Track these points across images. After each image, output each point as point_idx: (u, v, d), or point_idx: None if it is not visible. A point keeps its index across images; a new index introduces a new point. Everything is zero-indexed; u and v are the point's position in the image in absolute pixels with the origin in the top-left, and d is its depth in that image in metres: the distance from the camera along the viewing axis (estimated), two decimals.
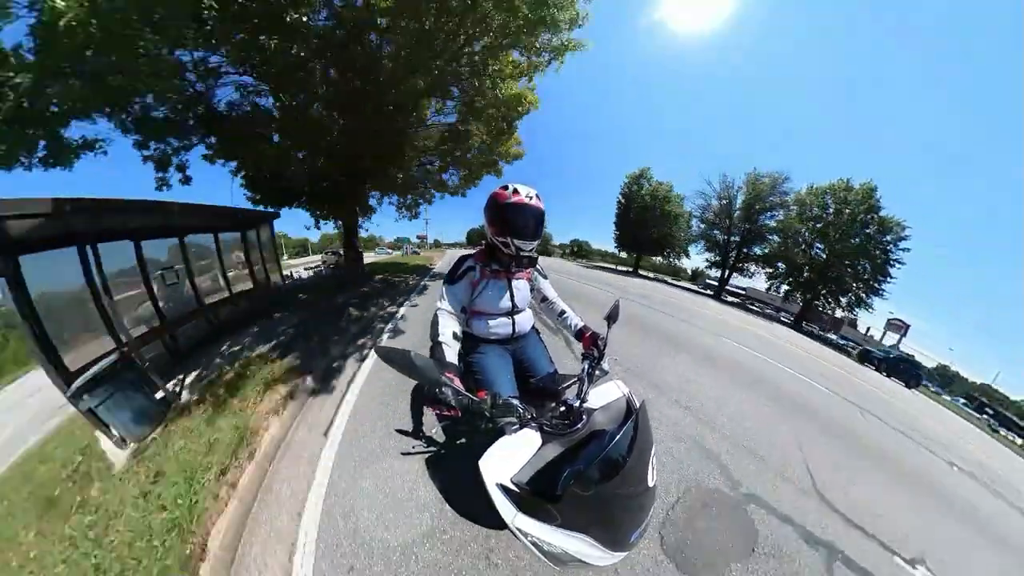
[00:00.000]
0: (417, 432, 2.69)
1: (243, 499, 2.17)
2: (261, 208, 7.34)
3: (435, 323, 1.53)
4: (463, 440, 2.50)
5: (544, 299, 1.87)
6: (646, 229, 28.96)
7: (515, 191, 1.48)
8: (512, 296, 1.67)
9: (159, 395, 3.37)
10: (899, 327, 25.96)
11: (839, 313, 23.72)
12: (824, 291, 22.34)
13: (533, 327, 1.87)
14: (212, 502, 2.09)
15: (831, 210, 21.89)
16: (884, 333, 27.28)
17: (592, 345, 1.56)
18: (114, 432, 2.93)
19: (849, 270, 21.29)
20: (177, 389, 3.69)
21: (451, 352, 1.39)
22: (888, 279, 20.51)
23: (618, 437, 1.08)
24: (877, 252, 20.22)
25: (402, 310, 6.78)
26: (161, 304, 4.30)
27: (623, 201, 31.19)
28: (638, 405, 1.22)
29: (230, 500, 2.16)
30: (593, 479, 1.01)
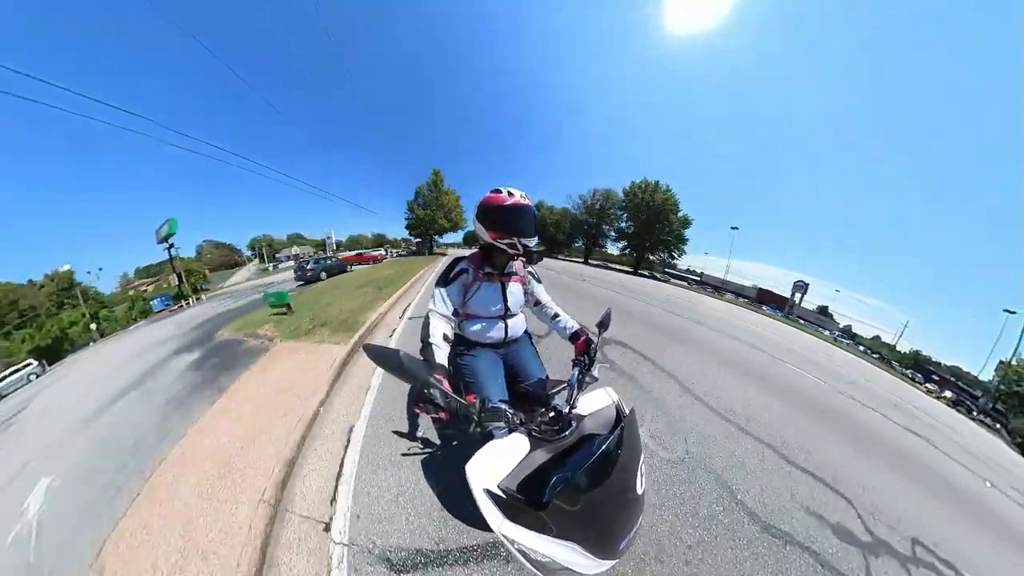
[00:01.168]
0: (413, 434, 2.71)
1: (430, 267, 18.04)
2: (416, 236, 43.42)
3: (426, 324, 1.52)
4: (457, 443, 2.50)
5: (537, 303, 1.87)
6: (543, 235, 45.38)
7: (509, 193, 1.49)
8: (505, 299, 1.67)
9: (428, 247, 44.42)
10: (801, 287, 33.56)
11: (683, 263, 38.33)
12: (644, 249, 35.56)
13: (526, 331, 1.87)
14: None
15: (638, 199, 34.84)
16: (793, 293, 34.48)
17: (584, 351, 1.55)
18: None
19: (647, 236, 34.79)
20: (425, 249, 43.01)
21: (441, 353, 1.38)
22: (683, 233, 33.38)
23: (606, 444, 1.07)
24: (668, 219, 33.20)
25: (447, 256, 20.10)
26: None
27: None
28: (627, 412, 1.22)
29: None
30: (581, 486, 1.01)
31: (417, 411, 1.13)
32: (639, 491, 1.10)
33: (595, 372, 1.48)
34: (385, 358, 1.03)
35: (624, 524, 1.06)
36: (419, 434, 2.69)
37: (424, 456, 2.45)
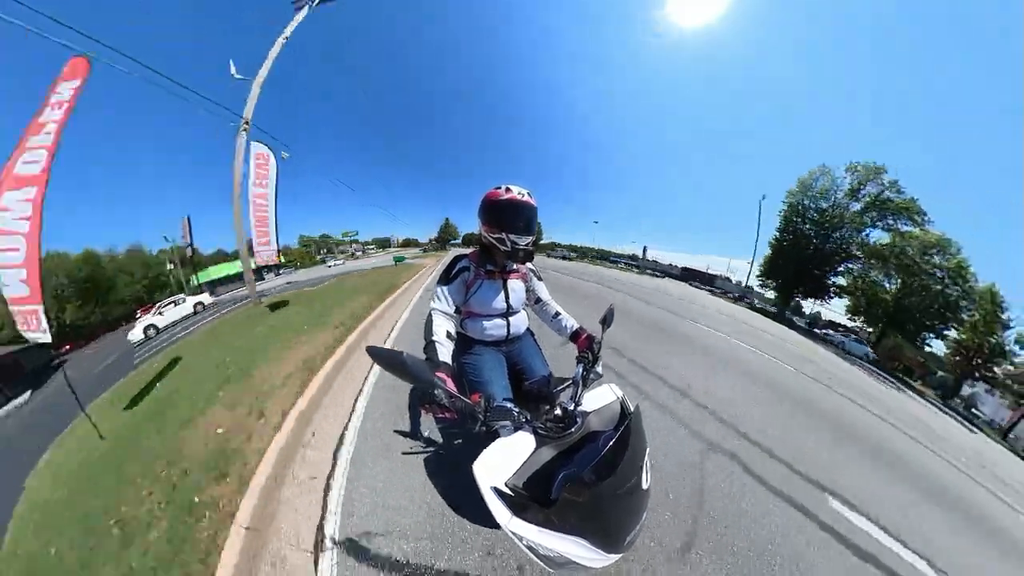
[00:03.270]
0: (415, 433, 2.70)
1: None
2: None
3: (429, 322, 1.52)
4: (460, 441, 2.50)
5: (538, 300, 1.86)
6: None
7: (507, 189, 1.49)
8: (507, 297, 1.67)
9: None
10: (644, 248, 53.61)
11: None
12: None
13: (528, 329, 1.87)
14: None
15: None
16: (643, 253, 53.90)
17: (587, 348, 1.55)
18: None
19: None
20: (440, 246, 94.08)
21: (444, 351, 1.38)
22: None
23: (612, 440, 1.08)
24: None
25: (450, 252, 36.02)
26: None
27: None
28: (632, 408, 1.23)
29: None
30: (587, 482, 1.02)
31: (423, 411, 1.13)
32: (645, 486, 1.11)
33: (599, 369, 1.48)
34: (388, 360, 1.02)
35: (630, 518, 1.07)
36: (422, 432, 2.69)
37: (427, 455, 2.44)
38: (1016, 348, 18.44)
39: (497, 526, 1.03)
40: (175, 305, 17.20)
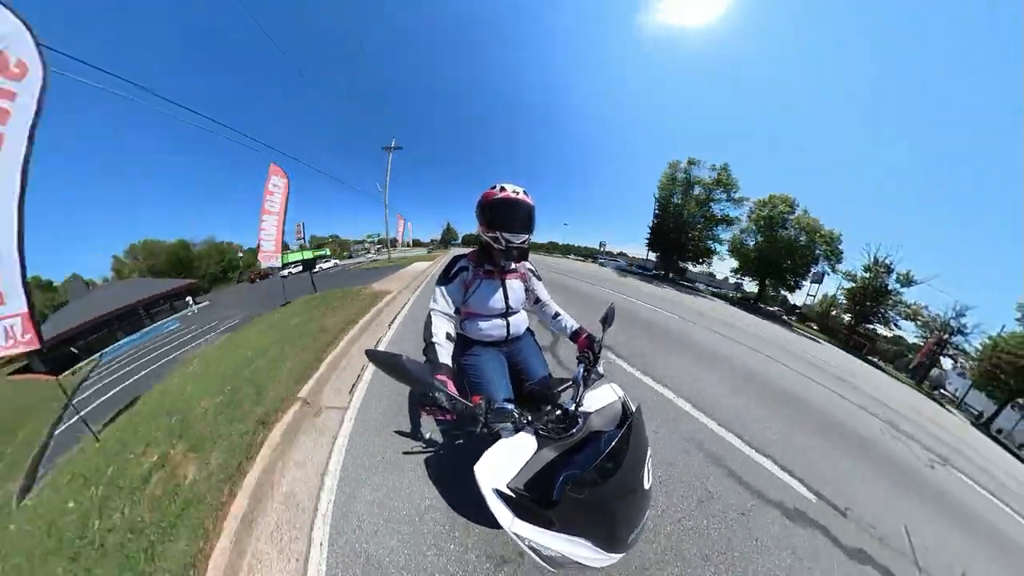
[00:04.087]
0: (416, 433, 2.70)
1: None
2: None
3: (428, 324, 1.52)
4: (461, 441, 2.50)
5: (538, 300, 1.86)
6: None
7: (502, 188, 1.49)
8: (506, 297, 1.66)
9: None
10: (603, 243, 58.13)
11: None
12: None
13: (528, 329, 1.86)
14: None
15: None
16: (599, 247, 59.52)
17: (587, 348, 1.55)
18: None
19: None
20: (444, 245, 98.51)
21: (444, 353, 1.38)
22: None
23: (614, 440, 1.08)
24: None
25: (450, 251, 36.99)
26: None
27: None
28: (634, 408, 1.22)
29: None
30: (589, 482, 1.01)
31: (423, 413, 1.12)
32: (646, 486, 1.11)
33: (600, 369, 1.48)
34: (387, 363, 1.00)
35: (632, 518, 1.07)
36: (422, 434, 2.68)
37: (429, 455, 2.44)
38: (898, 287, 22.42)
39: (500, 528, 1.03)
40: (317, 262, 32.37)
